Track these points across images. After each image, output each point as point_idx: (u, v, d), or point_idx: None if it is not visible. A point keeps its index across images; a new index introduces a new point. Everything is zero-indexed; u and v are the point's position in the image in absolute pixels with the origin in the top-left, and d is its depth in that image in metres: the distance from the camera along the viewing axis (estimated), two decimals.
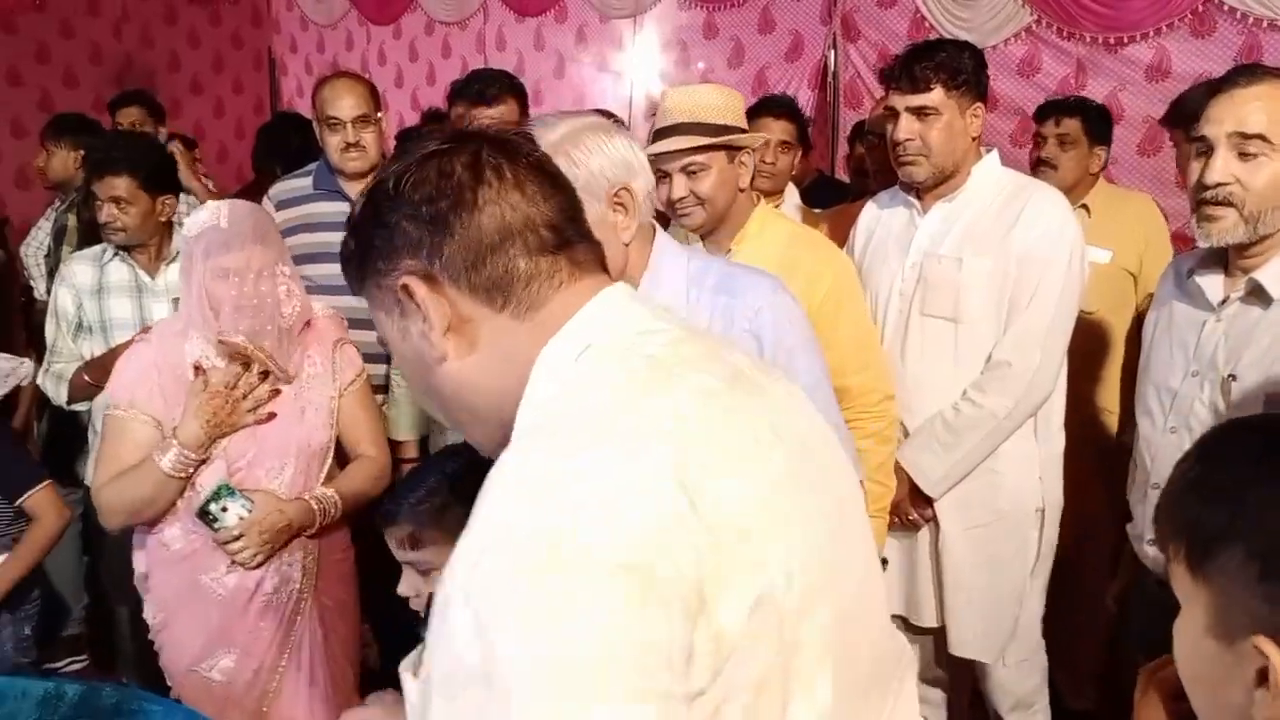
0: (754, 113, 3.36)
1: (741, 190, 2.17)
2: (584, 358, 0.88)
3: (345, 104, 2.94)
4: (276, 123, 4.37)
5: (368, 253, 0.95)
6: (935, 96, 2.26)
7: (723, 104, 2.16)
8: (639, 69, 6.00)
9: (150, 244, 2.88)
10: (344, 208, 3.02)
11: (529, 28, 6.23)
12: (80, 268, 2.89)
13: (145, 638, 2.78)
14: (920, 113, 2.27)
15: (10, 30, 6.10)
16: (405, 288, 0.91)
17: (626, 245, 1.70)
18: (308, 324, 2.24)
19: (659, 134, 2.17)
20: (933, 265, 2.32)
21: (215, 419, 2.08)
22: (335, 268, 3.07)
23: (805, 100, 5.48)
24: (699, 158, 2.10)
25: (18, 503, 2.55)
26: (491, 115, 2.72)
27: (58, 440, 3.43)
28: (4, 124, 6.15)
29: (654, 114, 2.28)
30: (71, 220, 3.72)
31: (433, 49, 6.59)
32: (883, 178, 2.74)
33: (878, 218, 2.51)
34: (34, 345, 3.97)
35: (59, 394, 2.87)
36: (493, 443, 0.93)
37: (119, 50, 6.60)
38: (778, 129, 3.48)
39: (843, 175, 5.16)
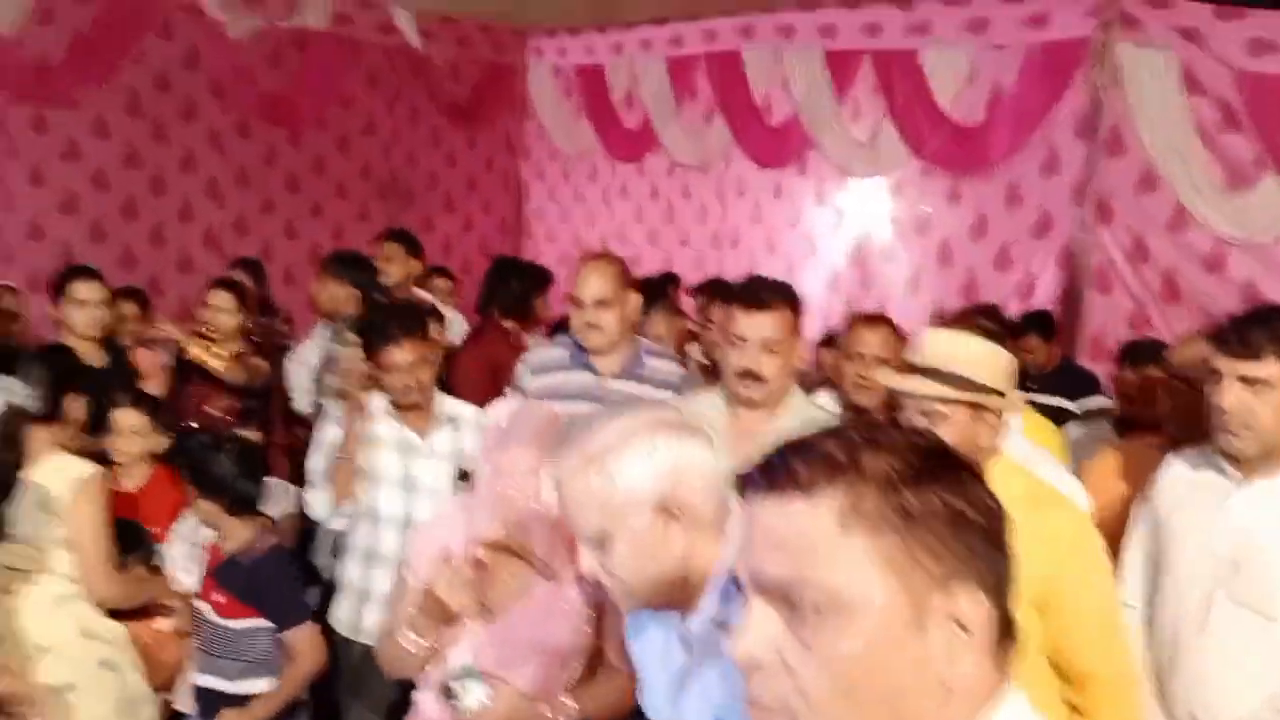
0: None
1: (981, 447, 2.07)
2: None
3: (589, 286, 3.06)
4: (498, 268, 4.59)
5: (932, 549, 0.82)
6: (1270, 369, 2.08)
7: (982, 359, 2.08)
8: (876, 228, 6.00)
9: (422, 403, 3.06)
10: (592, 380, 3.14)
11: (770, 178, 6.36)
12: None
13: None
14: (1250, 383, 2.10)
15: (295, 144, 6.68)
16: (958, 600, 0.82)
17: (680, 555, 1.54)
18: None
19: (908, 367, 2.14)
20: (1250, 549, 2.11)
21: (430, 612, 2.16)
22: None
23: (1051, 280, 5.34)
24: (940, 406, 2.04)
25: (282, 634, 2.70)
26: (761, 323, 2.69)
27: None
28: (280, 226, 6.71)
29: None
30: (343, 349, 3.98)
31: (673, 189, 6.81)
32: (1180, 424, 2.56)
33: (1184, 481, 2.31)
34: (288, 452, 4.23)
35: (317, 505, 3.09)
36: None
37: (386, 168, 7.12)
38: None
39: (1086, 361, 4.95)
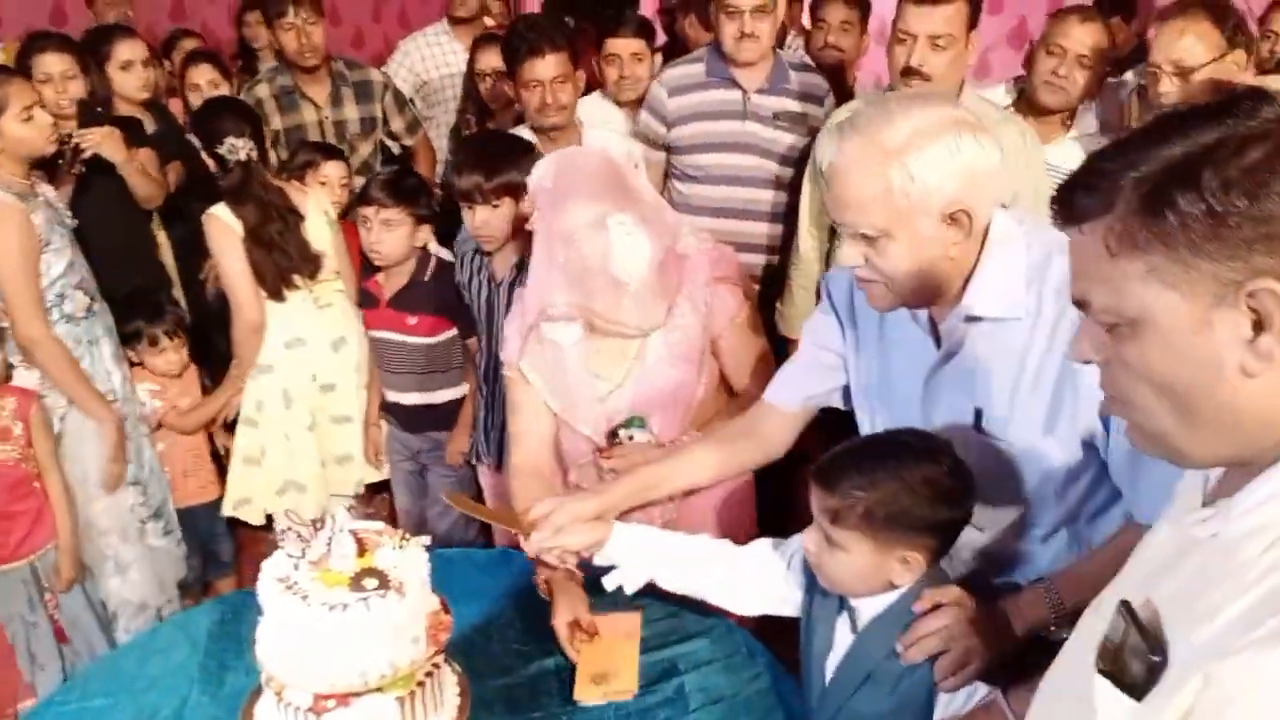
0: None
1: None
2: None
3: None
4: None
5: (1207, 229, 0.81)
6: None
7: None
8: None
9: (562, 125, 3.02)
10: (737, 96, 3.00)
11: None
12: None
13: None
14: None
15: None
16: (1261, 294, 0.80)
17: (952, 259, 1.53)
18: (682, 261, 2.10)
19: None
20: None
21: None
22: (727, 158, 3.03)
23: None
24: None
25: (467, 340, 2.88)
26: (930, 19, 2.49)
27: None
28: None
29: None
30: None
31: None
32: None
33: None
34: None
35: None
36: (1213, 457, 0.90)
37: None
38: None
39: None
